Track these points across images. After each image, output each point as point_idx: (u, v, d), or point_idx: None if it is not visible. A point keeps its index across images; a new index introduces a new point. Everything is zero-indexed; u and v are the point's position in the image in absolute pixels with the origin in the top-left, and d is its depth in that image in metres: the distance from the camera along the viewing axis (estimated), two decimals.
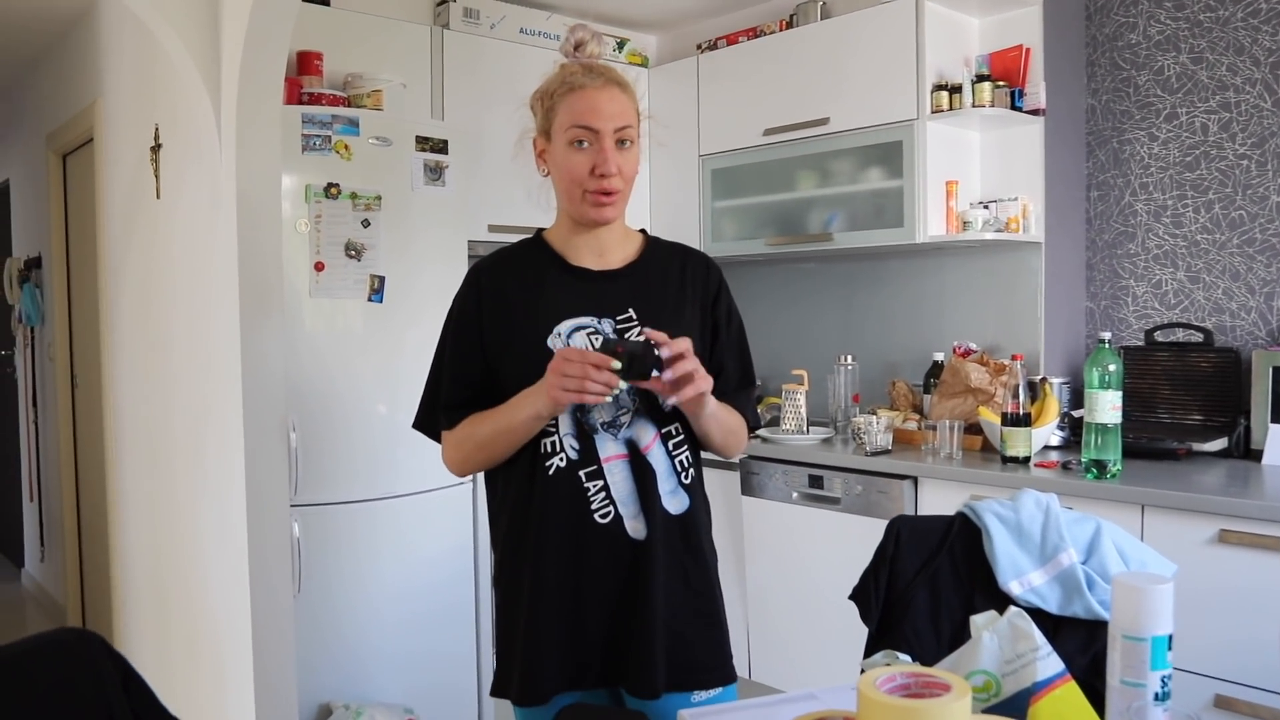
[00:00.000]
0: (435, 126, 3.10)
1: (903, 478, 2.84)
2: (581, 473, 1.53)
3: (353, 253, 2.86)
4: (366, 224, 2.87)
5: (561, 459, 1.53)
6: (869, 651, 1.65)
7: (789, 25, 3.58)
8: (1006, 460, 2.74)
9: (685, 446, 1.59)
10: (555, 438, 1.53)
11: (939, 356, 3.30)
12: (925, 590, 1.68)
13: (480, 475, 1.72)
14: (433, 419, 1.63)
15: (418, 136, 2.99)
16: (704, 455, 1.69)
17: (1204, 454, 2.74)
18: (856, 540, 2.82)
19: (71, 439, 4.42)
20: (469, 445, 1.58)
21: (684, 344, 1.44)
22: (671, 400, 1.48)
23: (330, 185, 2.82)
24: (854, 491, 2.94)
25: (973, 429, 2.97)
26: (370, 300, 2.90)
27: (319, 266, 2.81)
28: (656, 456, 1.56)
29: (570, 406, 1.53)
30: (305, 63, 3.03)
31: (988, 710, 1.29)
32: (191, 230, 2.92)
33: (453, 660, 3.14)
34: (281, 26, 2.49)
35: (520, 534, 1.57)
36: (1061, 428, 2.93)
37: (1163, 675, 1.10)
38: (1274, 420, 2.67)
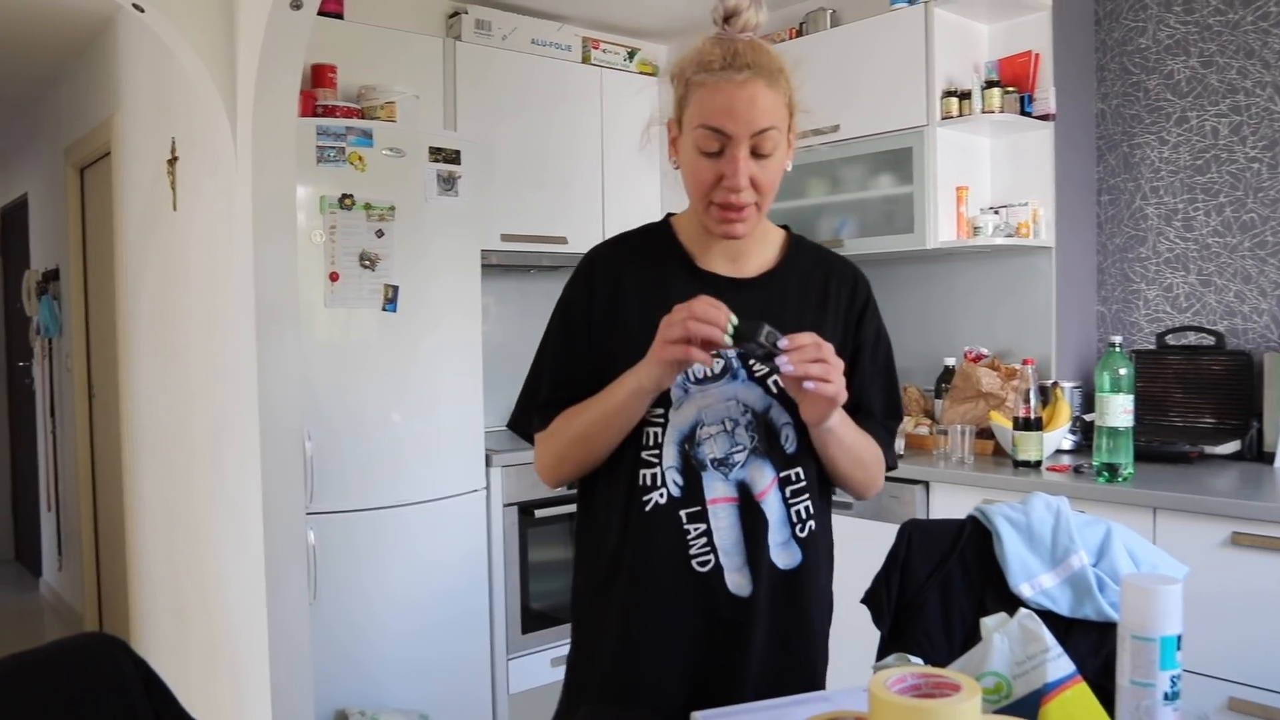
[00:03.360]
0: (448, 137, 3.13)
1: (915, 482, 2.84)
2: (683, 512, 1.35)
3: (367, 263, 2.89)
4: (380, 234, 2.90)
5: (662, 494, 1.35)
6: (881, 655, 1.66)
7: (798, 34, 3.60)
8: (1018, 464, 2.74)
9: (806, 495, 1.39)
10: (658, 469, 1.35)
11: (950, 362, 3.31)
12: (937, 593, 1.68)
13: (551, 491, 1.57)
14: (528, 419, 1.46)
15: (431, 147, 3.02)
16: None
17: (1216, 457, 2.74)
18: (869, 545, 2.82)
19: (89, 449, 4.46)
20: (563, 440, 1.39)
21: (809, 337, 1.23)
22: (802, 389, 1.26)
23: (344, 196, 2.85)
24: None
25: (984, 434, 2.98)
26: (384, 310, 2.93)
27: (334, 277, 2.84)
28: (771, 503, 1.37)
29: (677, 436, 1.35)
30: (319, 75, 3.06)
31: (999, 711, 1.29)
32: (208, 241, 2.96)
33: (467, 665, 3.15)
34: (296, 41, 2.53)
35: (609, 570, 1.40)
36: (1073, 431, 2.93)
37: (1172, 675, 1.11)
38: None
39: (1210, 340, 3.00)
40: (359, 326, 2.92)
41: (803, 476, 1.38)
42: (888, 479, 2.85)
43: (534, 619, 3.32)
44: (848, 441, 1.38)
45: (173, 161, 3.15)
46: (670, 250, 1.43)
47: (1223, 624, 2.22)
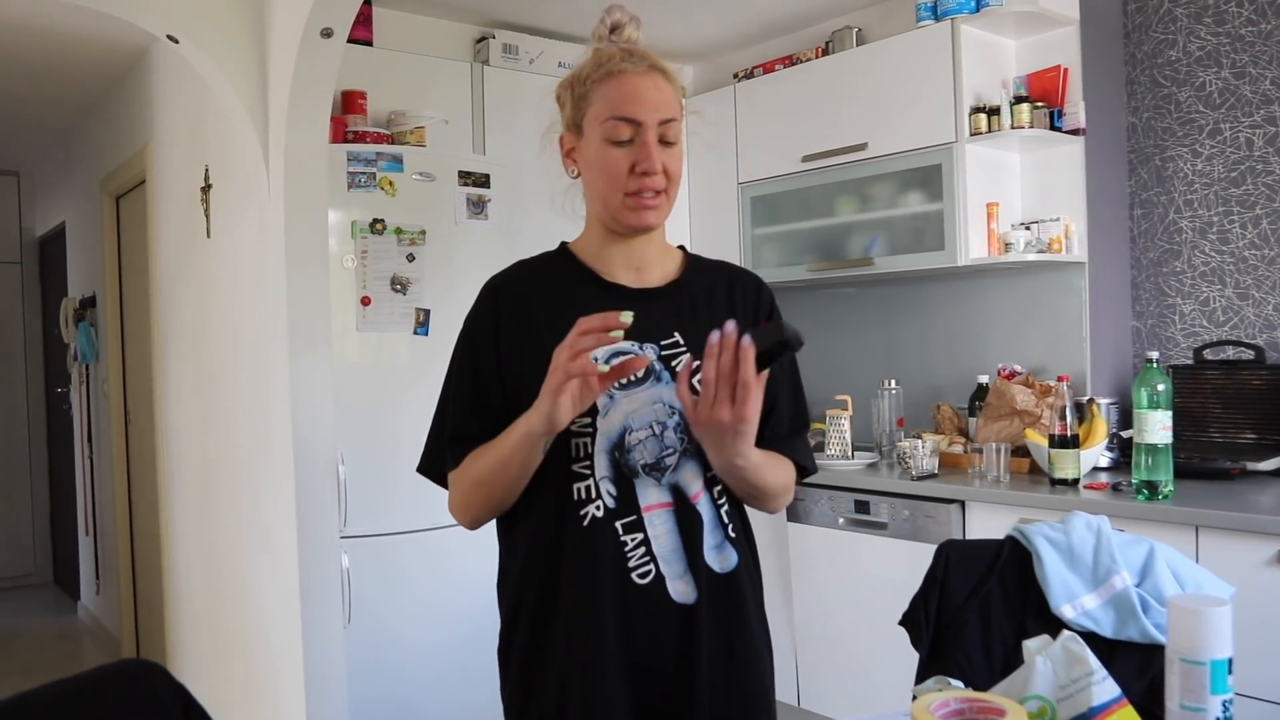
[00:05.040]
0: (477, 161, 3.15)
1: (950, 501, 2.81)
2: (619, 524, 1.30)
3: (398, 287, 2.91)
4: (411, 258, 2.92)
5: (598, 507, 1.30)
6: (920, 677, 1.63)
7: (825, 52, 3.60)
8: (1055, 482, 2.70)
9: (730, 494, 1.38)
10: (590, 482, 1.30)
11: (983, 379, 3.28)
12: (976, 615, 1.66)
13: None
14: (439, 459, 1.39)
15: (460, 171, 3.05)
16: None
17: (1259, 473, 2.68)
18: (905, 565, 2.80)
19: (125, 474, 4.51)
20: (466, 483, 1.35)
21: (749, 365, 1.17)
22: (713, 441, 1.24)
23: (375, 221, 2.88)
24: (901, 516, 2.92)
25: (1020, 451, 2.94)
26: (416, 333, 2.94)
27: (365, 301, 2.86)
28: (704, 505, 1.34)
29: (607, 445, 1.31)
30: (350, 102, 3.10)
31: None
32: (241, 268, 3.00)
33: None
34: (327, 68, 2.57)
35: (544, 597, 1.33)
36: (1110, 449, 2.89)
37: (1224, 700, 1.09)
38: None
39: (1249, 354, 2.95)
40: (391, 351, 2.93)
41: None
42: (922, 499, 2.85)
43: None
44: (767, 474, 1.34)
45: (207, 189, 3.19)
46: (573, 269, 1.41)
47: (1270, 645, 2.17)
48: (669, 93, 1.35)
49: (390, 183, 2.90)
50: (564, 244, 1.46)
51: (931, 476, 2.96)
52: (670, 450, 1.32)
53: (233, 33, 2.64)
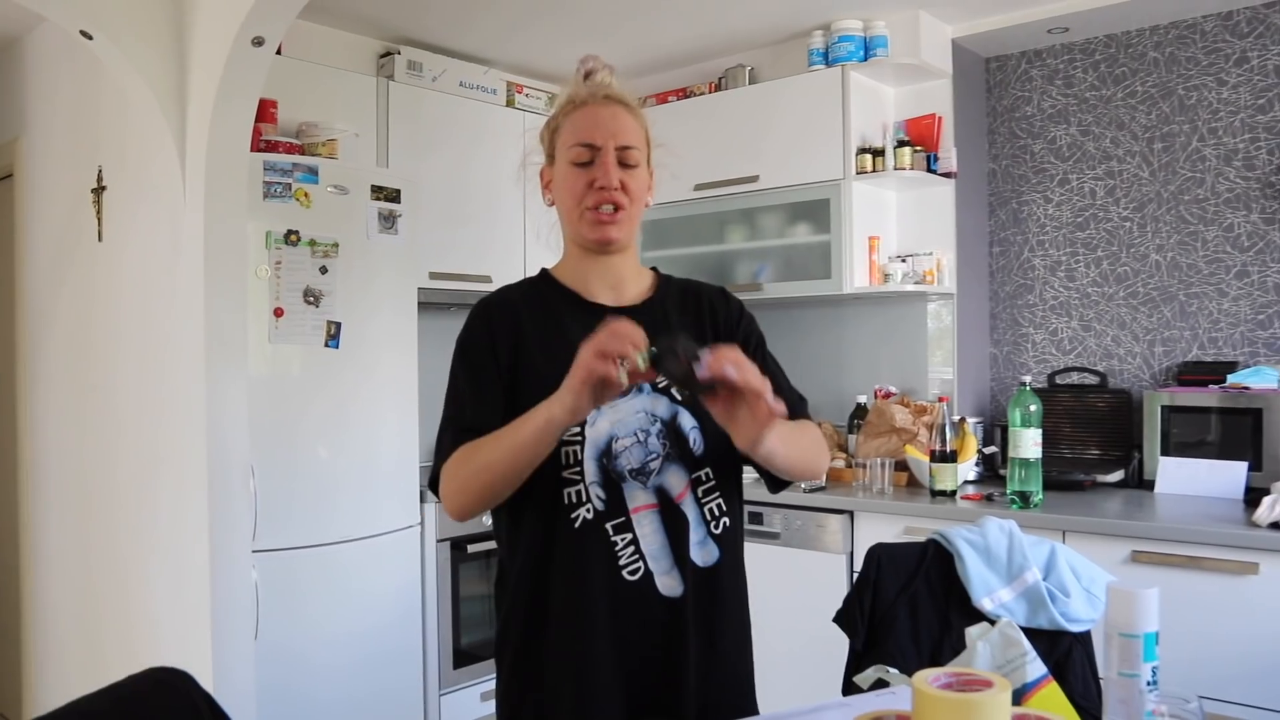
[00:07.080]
0: (389, 176, 3.17)
1: (839, 512, 3.03)
2: (608, 525, 1.40)
3: (311, 299, 2.90)
4: (324, 270, 2.92)
5: (589, 510, 1.39)
6: (855, 668, 1.81)
7: (718, 88, 3.80)
8: (935, 494, 2.97)
9: (717, 493, 1.46)
10: (581, 486, 1.39)
11: (862, 399, 3.53)
12: (905, 610, 1.85)
13: (481, 525, 1.50)
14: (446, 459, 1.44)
15: (372, 185, 3.06)
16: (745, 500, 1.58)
17: (1105, 484, 3.04)
18: (801, 572, 3.00)
19: None
20: (466, 469, 1.39)
21: (731, 348, 1.24)
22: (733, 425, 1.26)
23: (290, 232, 2.86)
24: (794, 526, 3.12)
25: (898, 466, 3.20)
26: (327, 346, 2.93)
27: (278, 312, 2.84)
28: (688, 504, 1.44)
29: (595, 452, 1.39)
30: (262, 110, 3.04)
31: None
32: (143, 275, 2.91)
33: (401, 702, 3.15)
34: (255, 76, 2.56)
35: (539, 597, 1.42)
36: (978, 464, 3.19)
37: (1153, 666, 1.30)
38: (1163, 453, 2.99)
39: (1094, 379, 3.33)
40: (301, 363, 2.91)
41: (712, 476, 1.45)
42: (813, 510, 3.05)
43: (464, 655, 3.34)
44: (787, 435, 1.38)
45: (99, 191, 3.07)
46: (556, 291, 1.52)
47: None
48: (628, 122, 1.47)
49: (305, 194, 2.89)
50: (544, 270, 1.57)
51: (820, 489, 3.17)
52: (654, 455, 1.41)
53: (151, 33, 2.58)
